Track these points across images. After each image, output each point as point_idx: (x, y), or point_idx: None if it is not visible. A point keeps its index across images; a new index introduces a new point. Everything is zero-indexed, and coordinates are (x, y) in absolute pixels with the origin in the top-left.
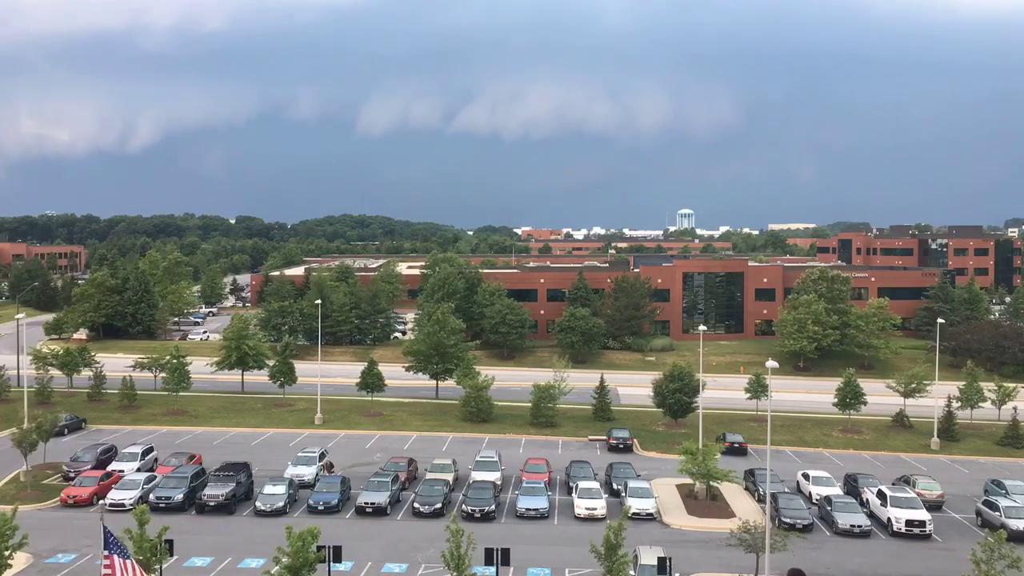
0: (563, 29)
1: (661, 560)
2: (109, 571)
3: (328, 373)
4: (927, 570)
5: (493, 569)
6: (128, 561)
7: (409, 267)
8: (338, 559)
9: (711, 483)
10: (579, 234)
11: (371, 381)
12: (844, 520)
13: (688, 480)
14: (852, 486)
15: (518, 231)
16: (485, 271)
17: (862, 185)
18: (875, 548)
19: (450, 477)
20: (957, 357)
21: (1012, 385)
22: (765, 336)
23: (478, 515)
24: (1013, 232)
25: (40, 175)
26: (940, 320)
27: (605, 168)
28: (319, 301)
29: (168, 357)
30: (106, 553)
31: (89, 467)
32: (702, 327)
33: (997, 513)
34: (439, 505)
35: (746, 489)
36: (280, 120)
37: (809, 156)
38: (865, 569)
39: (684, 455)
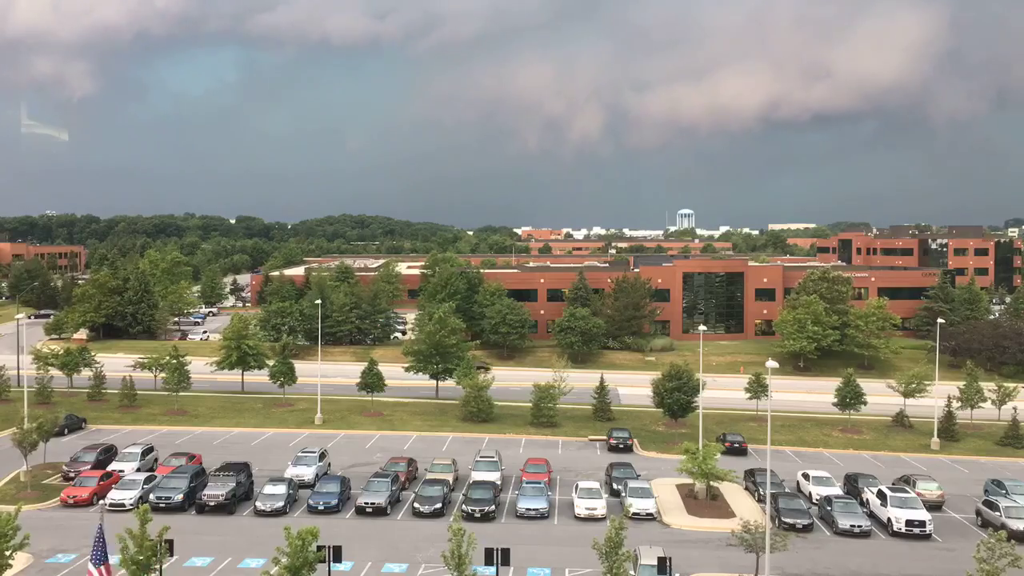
0: None
1: (661, 560)
2: None
3: (328, 373)
4: (927, 570)
5: (493, 569)
6: (101, 568)
7: (409, 267)
8: (338, 559)
9: (711, 483)
10: (579, 234)
11: (371, 381)
12: (844, 520)
13: (688, 480)
14: (852, 486)
15: (518, 231)
16: (485, 271)
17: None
18: (875, 548)
19: (450, 477)
20: (957, 357)
21: (1012, 385)
22: (765, 336)
23: (478, 515)
24: (1013, 232)
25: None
26: (940, 320)
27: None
28: (319, 301)
29: (167, 357)
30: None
31: (89, 467)
32: (702, 327)
33: (997, 513)
34: (439, 505)
35: (746, 489)
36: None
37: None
38: (865, 569)
39: (684, 455)
